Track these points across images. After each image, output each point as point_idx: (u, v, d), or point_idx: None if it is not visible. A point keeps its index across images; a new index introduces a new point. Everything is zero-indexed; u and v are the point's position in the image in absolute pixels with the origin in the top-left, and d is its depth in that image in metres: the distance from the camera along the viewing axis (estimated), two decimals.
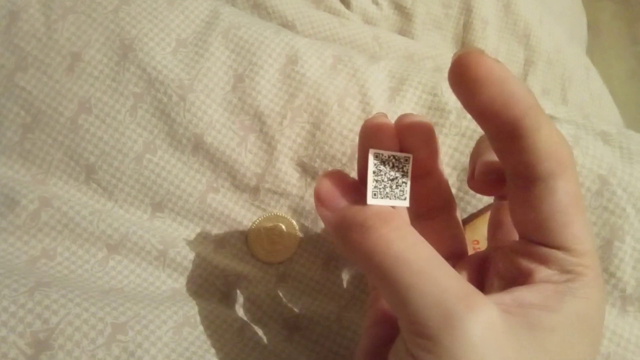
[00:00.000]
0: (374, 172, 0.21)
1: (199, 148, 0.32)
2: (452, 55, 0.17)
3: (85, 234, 0.30)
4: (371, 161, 0.21)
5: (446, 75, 0.40)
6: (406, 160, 0.22)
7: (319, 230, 0.32)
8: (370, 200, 0.20)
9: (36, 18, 0.33)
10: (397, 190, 0.21)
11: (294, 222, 0.32)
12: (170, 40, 0.33)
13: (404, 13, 0.48)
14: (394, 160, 0.22)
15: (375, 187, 0.21)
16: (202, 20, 0.34)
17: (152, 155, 0.32)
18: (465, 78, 0.17)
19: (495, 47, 0.49)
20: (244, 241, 0.32)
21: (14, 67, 0.32)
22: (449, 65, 0.37)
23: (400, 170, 0.22)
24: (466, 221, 0.30)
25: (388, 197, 0.21)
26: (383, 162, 0.21)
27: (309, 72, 0.33)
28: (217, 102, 0.32)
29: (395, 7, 0.48)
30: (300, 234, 0.32)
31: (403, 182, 0.21)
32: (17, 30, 0.32)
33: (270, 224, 0.32)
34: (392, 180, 0.21)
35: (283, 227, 0.32)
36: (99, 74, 0.32)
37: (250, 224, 0.32)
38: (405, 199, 0.21)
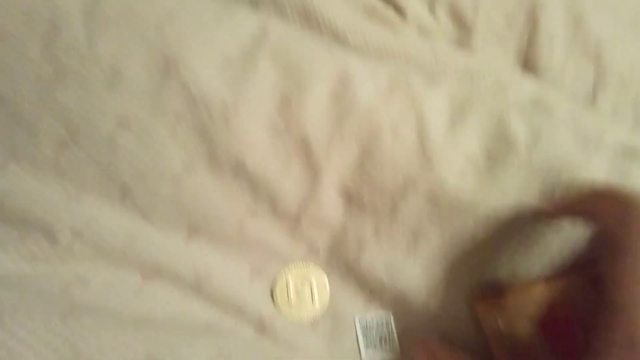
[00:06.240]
0: (362, 334, 0.28)
1: (239, 171, 0.30)
2: None
3: (119, 262, 0.28)
4: (357, 326, 0.28)
5: (512, 95, 0.37)
6: (388, 317, 0.28)
7: (362, 264, 0.29)
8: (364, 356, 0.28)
9: (78, 29, 0.31)
10: (386, 345, 0.28)
11: (326, 280, 0.30)
12: (216, 57, 0.31)
13: (463, 25, 0.45)
14: (377, 321, 0.28)
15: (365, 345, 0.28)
16: (250, 37, 0.32)
17: (190, 176, 0.30)
18: None
19: (562, 65, 0.45)
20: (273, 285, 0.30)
21: (52, 79, 0.31)
22: (512, 81, 0.35)
23: (386, 327, 0.28)
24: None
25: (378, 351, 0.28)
26: (368, 325, 0.28)
27: (361, 95, 0.30)
28: (261, 124, 0.30)
29: (454, 19, 0.44)
30: (328, 295, 0.30)
31: (390, 337, 0.28)
32: (58, 41, 0.31)
33: (298, 278, 0.30)
34: (380, 337, 0.28)
35: (314, 282, 0.29)
36: (139, 91, 0.31)
37: (277, 273, 0.30)
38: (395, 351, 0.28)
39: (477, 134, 0.29)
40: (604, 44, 0.46)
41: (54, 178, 0.30)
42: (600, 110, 0.44)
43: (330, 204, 0.30)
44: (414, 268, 0.28)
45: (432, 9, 0.44)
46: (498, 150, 0.28)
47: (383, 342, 0.28)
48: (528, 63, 0.46)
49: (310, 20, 0.40)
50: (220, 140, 0.30)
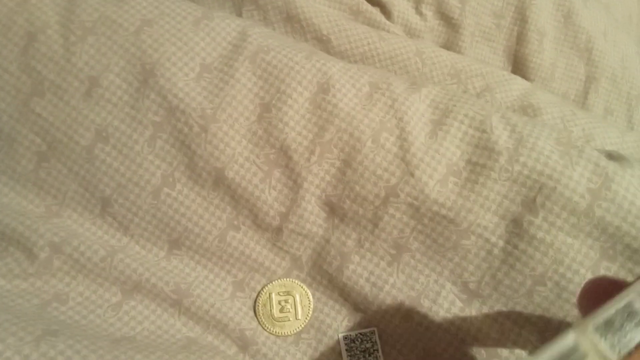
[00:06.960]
0: (346, 350, 0.28)
1: (219, 183, 0.30)
2: None
3: (99, 279, 0.28)
4: (342, 342, 0.28)
5: (500, 98, 0.36)
6: (372, 333, 0.28)
7: (345, 277, 0.29)
8: None
9: (54, 40, 0.31)
10: (370, 358, 0.28)
11: (309, 294, 0.29)
12: (194, 64, 0.30)
13: (450, 24, 0.44)
14: (361, 336, 0.28)
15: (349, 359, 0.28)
16: (229, 43, 0.31)
17: (170, 189, 0.30)
18: None
19: (553, 62, 0.45)
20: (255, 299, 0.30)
21: (30, 91, 0.30)
22: (500, 83, 0.32)
23: (370, 342, 0.28)
24: None
25: None
26: (352, 340, 0.28)
27: (341, 102, 0.29)
28: (241, 134, 0.30)
29: (441, 18, 0.44)
30: (311, 310, 0.29)
31: (374, 351, 0.28)
32: (35, 52, 0.31)
33: (281, 292, 0.29)
34: (364, 351, 0.28)
35: (297, 296, 0.29)
36: (117, 101, 0.30)
37: (260, 287, 0.30)
38: None
39: (459, 141, 0.28)
40: (594, 39, 0.45)
41: (34, 191, 0.30)
42: (591, 111, 0.44)
43: (311, 215, 0.29)
44: (397, 280, 0.28)
45: (418, 8, 0.44)
46: (480, 158, 0.28)
47: (367, 356, 0.28)
48: (518, 61, 0.45)
49: (294, 24, 0.39)
50: (200, 150, 0.29)
